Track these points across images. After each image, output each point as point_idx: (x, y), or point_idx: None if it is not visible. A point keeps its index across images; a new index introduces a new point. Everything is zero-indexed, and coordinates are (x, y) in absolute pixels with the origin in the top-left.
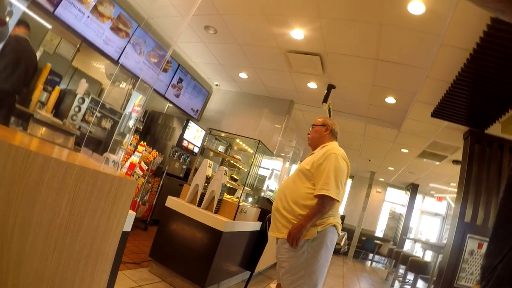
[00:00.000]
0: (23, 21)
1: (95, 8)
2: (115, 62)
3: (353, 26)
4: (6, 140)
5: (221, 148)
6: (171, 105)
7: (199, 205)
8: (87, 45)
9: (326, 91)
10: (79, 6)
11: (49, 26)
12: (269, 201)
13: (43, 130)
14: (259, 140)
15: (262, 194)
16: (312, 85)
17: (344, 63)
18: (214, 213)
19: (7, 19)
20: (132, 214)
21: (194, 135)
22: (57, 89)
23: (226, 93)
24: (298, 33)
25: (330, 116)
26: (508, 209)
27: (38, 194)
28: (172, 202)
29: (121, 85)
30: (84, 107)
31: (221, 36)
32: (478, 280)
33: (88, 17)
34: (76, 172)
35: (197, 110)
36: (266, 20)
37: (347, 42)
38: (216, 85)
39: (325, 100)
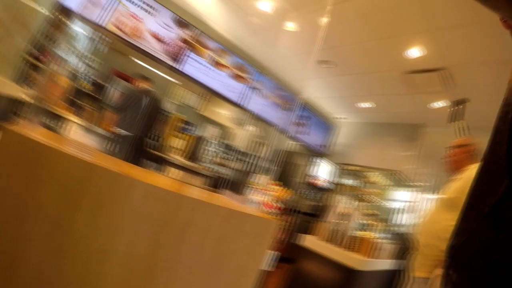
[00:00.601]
0: (144, 76)
1: (214, 60)
2: (240, 106)
3: (467, 31)
4: (157, 185)
5: (352, 183)
6: (297, 142)
7: (333, 242)
8: (212, 94)
9: (454, 108)
10: (199, 60)
11: (176, 80)
12: (406, 237)
13: (178, 173)
14: (397, 171)
15: (398, 228)
16: (438, 104)
17: (467, 73)
18: (349, 250)
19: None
20: (272, 253)
21: (322, 171)
22: (189, 135)
23: (351, 125)
24: (413, 52)
25: (462, 134)
26: (481, 192)
27: (186, 234)
28: (305, 240)
29: (248, 128)
30: (215, 150)
31: (338, 68)
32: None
33: (209, 68)
34: (222, 214)
35: (324, 146)
36: (379, 44)
37: (466, 49)
38: (340, 118)
39: (454, 118)
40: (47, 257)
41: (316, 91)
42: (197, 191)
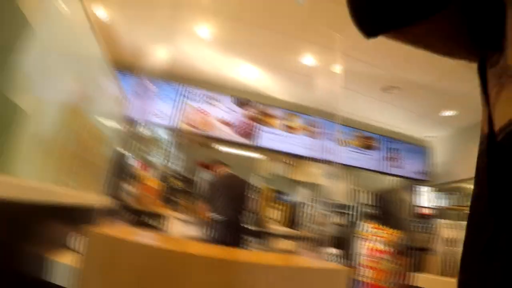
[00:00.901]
0: (221, 161)
1: (283, 125)
2: (325, 161)
3: None
4: (212, 256)
5: (459, 201)
6: (395, 178)
7: (447, 274)
8: (294, 158)
9: None
10: (271, 131)
11: (257, 155)
12: None
13: (281, 241)
14: None
15: None
16: None
17: None
18: None
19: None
20: None
21: (428, 199)
22: (284, 203)
23: (444, 140)
24: None
25: None
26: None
27: None
28: (419, 279)
29: (338, 179)
30: (312, 211)
31: (404, 89)
32: None
33: (282, 135)
34: (283, 273)
35: (423, 171)
36: None
37: None
38: (429, 136)
39: None
40: None
41: (394, 119)
42: (264, 257)
